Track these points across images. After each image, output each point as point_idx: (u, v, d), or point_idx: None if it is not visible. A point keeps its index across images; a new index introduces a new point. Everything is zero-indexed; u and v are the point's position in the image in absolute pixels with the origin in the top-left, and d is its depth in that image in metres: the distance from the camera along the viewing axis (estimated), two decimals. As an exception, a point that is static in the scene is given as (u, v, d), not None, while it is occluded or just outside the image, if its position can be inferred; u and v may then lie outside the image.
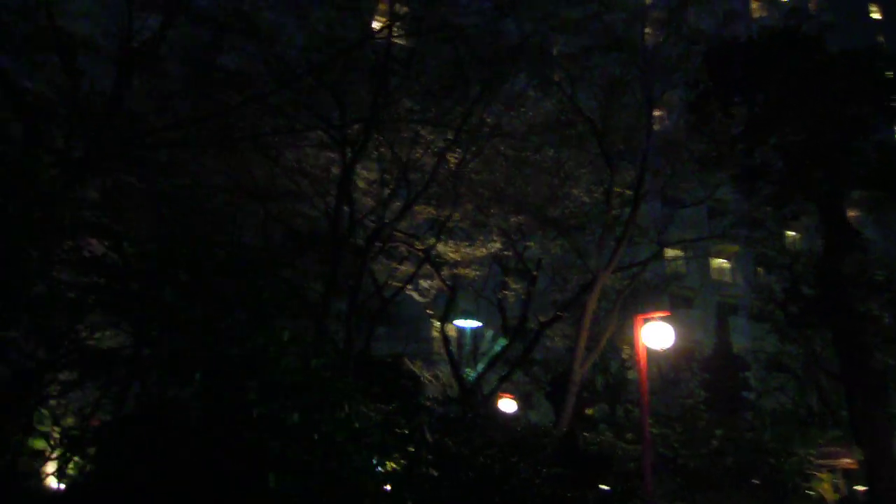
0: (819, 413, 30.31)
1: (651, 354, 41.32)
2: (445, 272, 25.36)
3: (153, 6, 17.66)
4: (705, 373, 30.07)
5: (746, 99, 22.75)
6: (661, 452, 18.47)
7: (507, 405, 25.31)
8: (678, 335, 39.90)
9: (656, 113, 23.65)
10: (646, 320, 14.54)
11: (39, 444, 27.93)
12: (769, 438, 21.24)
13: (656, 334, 14.27)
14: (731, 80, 22.63)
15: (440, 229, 22.85)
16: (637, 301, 38.04)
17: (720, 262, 50.86)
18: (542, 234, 24.71)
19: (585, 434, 17.21)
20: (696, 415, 22.84)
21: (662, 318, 14.37)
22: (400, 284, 25.27)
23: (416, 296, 25.84)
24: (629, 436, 19.03)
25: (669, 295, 44.48)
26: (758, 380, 37.83)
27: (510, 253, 26.05)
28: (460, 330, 27.64)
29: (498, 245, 25.48)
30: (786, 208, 26.04)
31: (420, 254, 24.01)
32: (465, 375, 24.38)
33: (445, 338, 24.51)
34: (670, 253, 49.47)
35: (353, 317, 15.80)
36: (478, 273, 26.36)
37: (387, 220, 23.42)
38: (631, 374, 40.95)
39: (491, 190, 23.40)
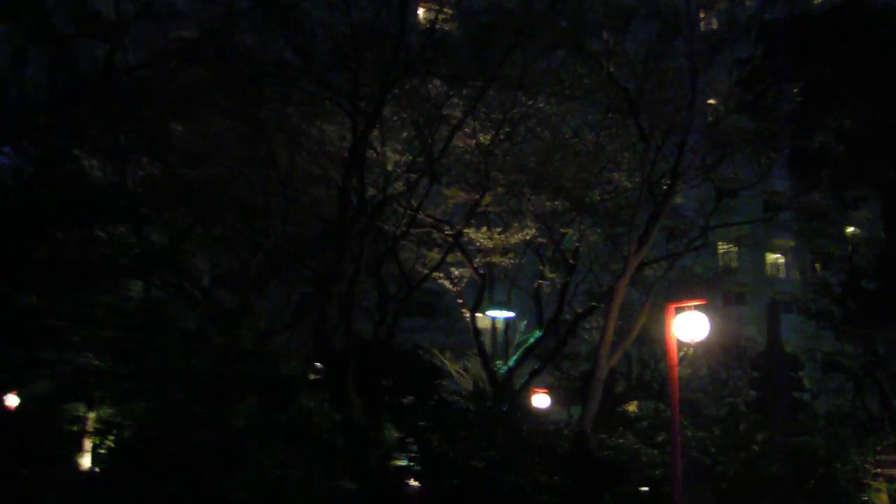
0: (879, 417, 27.97)
1: (702, 350, 39.77)
2: (479, 261, 23.86)
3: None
4: (755, 371, 27.89)
5: (803, 76, 20.68)
6: (696, 458, 16.69)
7: (541, 400, 23.71)
8: (730, 332, 38.31)
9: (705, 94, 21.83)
10: (678, 309, 12.82)
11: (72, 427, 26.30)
12: (820, 443, 19.22)
13: (689, 325, 12.54)
14: (787, 56, 20.60)
15: (470, 213, 21.30)
16: (684, 294, 36.16)
17: (775, 257, 48.33)
18: (579, 221, 22.96)
19: (603, 436, 15.46)
20: (737, 416, 20.78)
21: (696, 307, 12.63)
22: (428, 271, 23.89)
23: (447, 284, 24.39)
24: (661, 437, 17.15)
25: (722, 290, 42.30)
26: (813, 381, 35.49)
27: (546, 241, 24.42)
28: (495, 321, 26.05)
29: (533, 232, 23.89)
30: (845, 196, 23.90)
31: (450, 239, 22.55)
32: (496, 368, 22.80)
33: (476, 329, 22.97)
34: (723, 247, 47.37)
35: (351, 304, 14.31)
36: (512, 261, 24.82)
37: (415, 204, 22.07)
38: (680, 371, 39.01)
39: (525, 173, 21.83)
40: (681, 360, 37.20)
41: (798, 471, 17.49)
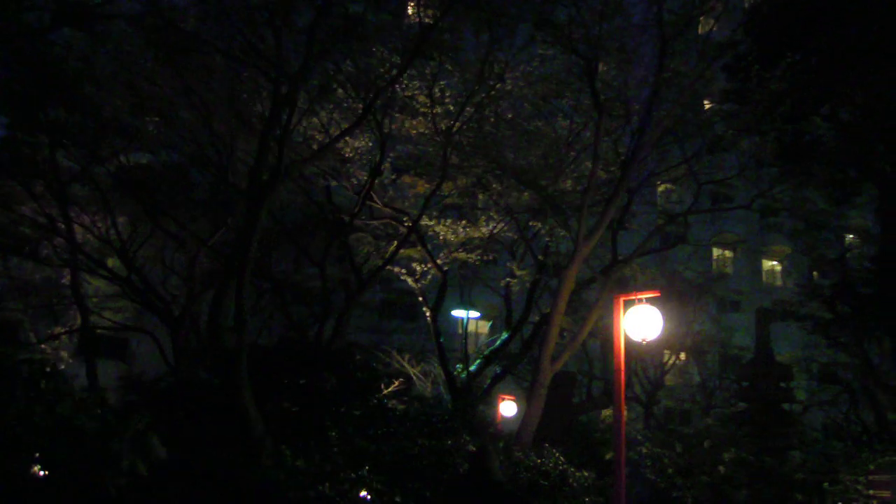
0: (874, 431, 25.47)
1: (693, 358, 37.28)
2: (443, 256, 21.62)
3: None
4: (743, 381, 25.52)
5: (794, 60, 18.30)
6: (651, 481, 14.21)
7: (508, 408, 21.39)
8: (722, 340, 35.85)
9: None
10: (627, 303, 10.51)
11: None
12: (807, 460, 16.74)
13: (640, 321, 10.24)
14: (777, 39, 18.26)
15: (426, 201, 19.05)
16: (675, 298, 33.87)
17: (772, 265, 45.85)
18: (546, 214, 20.68)
19: (520, 454, 12.94)
20: (706, 431, 18.21)
21: (648, 301, 10.31)
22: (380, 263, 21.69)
23: (409, 281, 22.11)
24: (610, 454, 14.58)
25: (715, 297, 39.91)
26: (807, 392, 33.07)
27: (515, 236, 22.14)
28: (466, 322, 23.71)
29: (501, 226, 21.63)
30: (839, 191, 21.51)
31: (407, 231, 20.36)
32: (456, 372, 20.50)
33: (436, 329, 20.68)
34: (718, 253, 44.96)
35: (243, 289, 12.01)
36: (483, 258, 22.55)
37: (375, 195, 19.89)
38: (669, 380, 36.59)
39: (489, 160, 19.58)
40: (669, 368, 35.15)
41: (771, 498, 14.82)
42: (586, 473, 12.64)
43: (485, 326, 36.76)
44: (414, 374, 21.96)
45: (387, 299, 35.65)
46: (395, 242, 20.68)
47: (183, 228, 20.93)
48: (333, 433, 12.65)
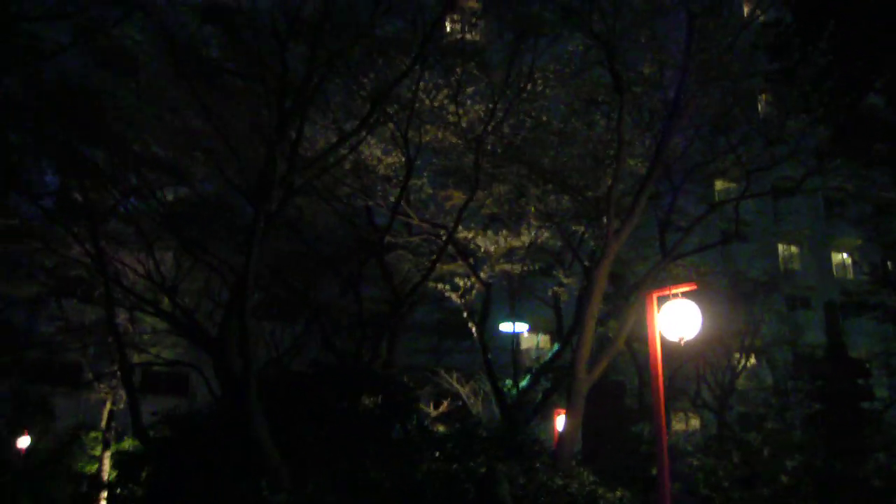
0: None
1: (765, 360, 35.26)
2: (487, 269, 20.60)
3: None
4: (817, 380, 23.73)
5: (837, 29, 16.76)
6: (706, 496, 12.76)
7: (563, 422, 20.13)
8: (793, 338, 33.73)
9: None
10: (660, 299, 9.34)
11: (91, 467, 24.27)
12: (881, 465, 15.03)
13: (676, 318, 9.06)
14: (818, 6, 16.78)
15: (461, 212, 18.08)
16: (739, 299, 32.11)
17: (842, 257, 43.35)
18: (592, 217, 19.48)
19: (544, 476, 11.59)
20: (767, 437, 16.48)
21: (684, 295, 9.13)
22: (433, 284, 20.75)
23: (454, 297, 21.11)
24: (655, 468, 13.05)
25: (784, 295, 37.82)
26: (890, 388, 30.80)
27: (560, 243, 20.97)
28: (515, 336, 22.58)
29: (544, 234, 20.49)
30: (904, 172, 19.76)
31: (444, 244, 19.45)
32: (505, 388, 19.37)
33: (483, 344, 19.63)
34: (784, 248, 42.72)
35: (243, 311, 11.17)
36: (527, 267, 21.43)
37: (404, 207, 19.04)
38: (741, 382, 34.60)
39: (524, 165, 18.54)
40: (740, 371, 33.27)
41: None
42: (620, 493, 11.33)
43: (546, 339, 35.53)
44: (464, 392, 20.92)
45: (442, 319, 34.69)
46: (434, 257, 19.80)
47: (220, 261, 20.43)
48: (363, 461, 11.75)
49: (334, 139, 18.60)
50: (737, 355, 32.98)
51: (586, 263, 20.14)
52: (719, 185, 40.28)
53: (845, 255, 42.94)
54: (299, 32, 13.74)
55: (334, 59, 13.95)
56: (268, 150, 13.07)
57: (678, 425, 34.76)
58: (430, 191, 21.49)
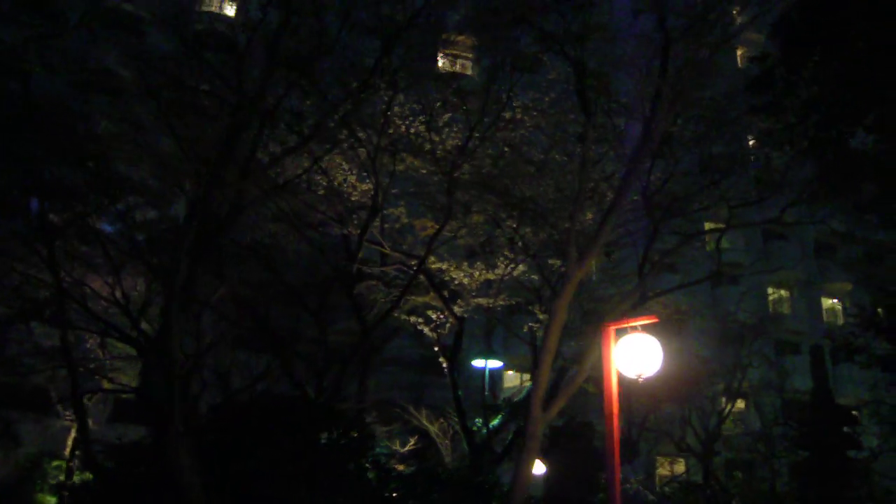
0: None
1: (752, 405, 34.18)
2: (463, 304, 19.68)
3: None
4: (803, 427, 22.69)
5: (824, 58, 15.98)
6: None
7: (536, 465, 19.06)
8: (782, 384, 32.68)
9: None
10: (619, 331, 8.42)
11: (51, 499, 22.91)
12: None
13: (634, 353, 8.14)
14: (804, 37, 16.03)
15: (430, 241, 17.22)
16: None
17: (832, 303, 42.41)
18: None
19: None
20: (741, 486, 15.40)
21: (643, 328, 8.22)
22: (407, 317, 19.83)
23: (426, 330, 20.16)
24: None
25: (773, 340, 36.85)
26: (880, 438, 29.70)
27: (538, 278, 20.06)
28: (486, 372, 21.53)
29: (522, 268, 19.60)
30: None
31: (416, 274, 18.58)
32: (474, 427, 18.34)
33: (454, 381, 18.63)
34: (773, 292, 41.80)
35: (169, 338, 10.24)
36: (503, 303, 20.49)
37: (384, 241, 18.18)
38: (727, 427, 33.52)
39: (496, 194, 17.72)
40: (726, 416, 32.20)
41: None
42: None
43: (528, 378, 34.48)
44: (433, 430, 19.88)
45: (424, 355, 33.70)
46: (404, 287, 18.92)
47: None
48: (311, 498, 10.75)
49: (306, 164, 17.97)
50: (723, 399, 32.02)
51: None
52: (709, 226, 39.56)
53: (835, 301, 42.05)
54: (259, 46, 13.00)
55: (293, 68, 13.18)
56: (213, 168, 12.22)
57: (662, 470, 33.67)
58: (407, 220, 20.69)
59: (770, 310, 39.35)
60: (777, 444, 30.79)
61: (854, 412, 27.66)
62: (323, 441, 13.05)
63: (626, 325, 8.29)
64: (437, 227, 19.49)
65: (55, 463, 26.72)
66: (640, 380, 8.12)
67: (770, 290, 40.51)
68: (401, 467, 14.89)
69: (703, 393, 30.59)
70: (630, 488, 18.30)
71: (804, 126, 15.47)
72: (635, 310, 16.45)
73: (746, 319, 33.25)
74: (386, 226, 19.41)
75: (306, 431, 12.61)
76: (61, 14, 19.70)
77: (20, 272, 20.99)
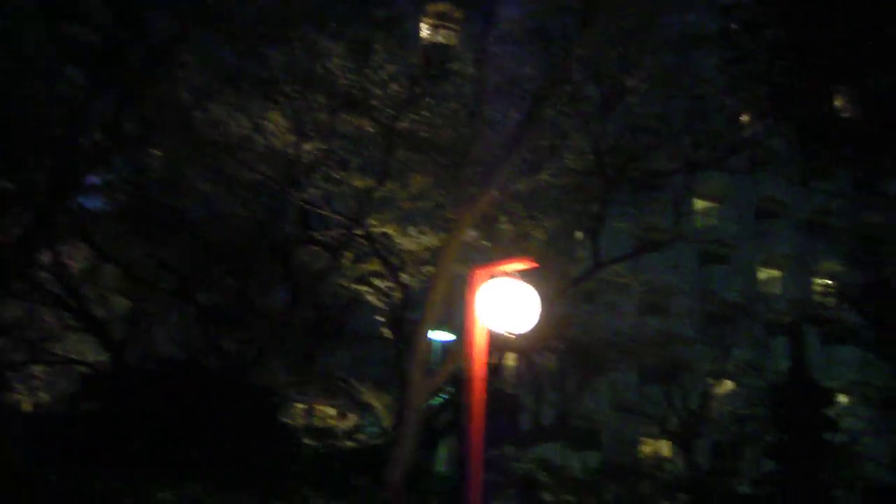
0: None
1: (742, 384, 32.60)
2: (412, 273, 18.05)
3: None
4: (779, 407, 20.99)
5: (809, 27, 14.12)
6: None
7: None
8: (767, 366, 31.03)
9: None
10: (489, 276, 6.75)
11: None
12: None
13: (505, 304, 6.51)
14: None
15: (364, 201, 15.61)
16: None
17: (823, 283, 40.52)
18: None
19: None
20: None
21: (518, 273, 6.56)
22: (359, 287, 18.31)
23: (373, 300, 18.57)
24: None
25: (763, 320, 35.06)
26: (864, 420, 28.04)
27: (489, 244, 18.36)
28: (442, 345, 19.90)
29: (472, 233, 17.89)
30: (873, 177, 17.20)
31: (364, 242, 17.03)
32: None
33: (398, 353, 17.07)
34: (763, 272, 40.07)
35: None
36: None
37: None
38: (717, 407, 31.98)
39: (445, 153, 16.08)
40: (711, 396, 30.59)
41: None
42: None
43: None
44: (379, 406, 18.36)
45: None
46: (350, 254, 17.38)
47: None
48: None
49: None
50: (709, 379, 30.49)
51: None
52: (700, 203, 37.85)
53: (828, 281, 40.20)
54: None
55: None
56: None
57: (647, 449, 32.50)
58: (361, 183, 19.07)
59: (760, 289, 37.70)
60: (760, 426, 29.23)
61: (841, 394, 25.98)
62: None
63: (495, 269, 6.62)
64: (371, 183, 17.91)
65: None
66: (511, 337, 6.47)
67: (760, 270, 38.89)
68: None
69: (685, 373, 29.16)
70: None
71: (770, 74, 13.71)
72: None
73: (734, 299, 31.75)
74: (332, 189, 17.87)
75: (187, 399, 11.12)
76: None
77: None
